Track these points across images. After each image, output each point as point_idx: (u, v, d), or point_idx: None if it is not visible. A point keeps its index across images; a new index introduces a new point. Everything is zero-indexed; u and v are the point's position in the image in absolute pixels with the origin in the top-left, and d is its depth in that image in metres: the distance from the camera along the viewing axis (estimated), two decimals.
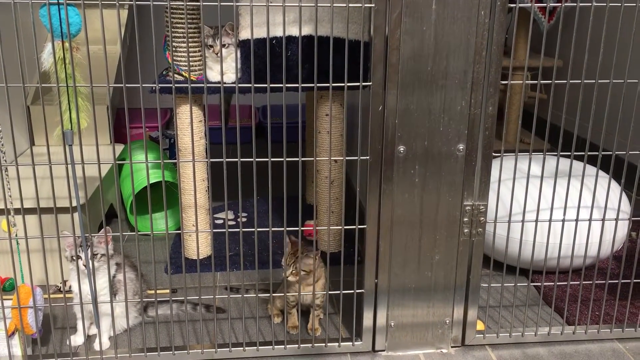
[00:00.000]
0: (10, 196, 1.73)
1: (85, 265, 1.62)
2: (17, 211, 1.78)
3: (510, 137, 3.46)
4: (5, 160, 1.71)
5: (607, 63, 1.54)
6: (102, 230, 1.64)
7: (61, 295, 1.96)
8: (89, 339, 1.80)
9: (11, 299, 1.63)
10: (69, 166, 1.49)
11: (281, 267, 1.82)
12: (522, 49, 3.39)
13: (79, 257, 1.65)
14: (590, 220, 1.71)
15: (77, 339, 1.77)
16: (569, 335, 1.82)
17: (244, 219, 2.69)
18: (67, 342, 1.77)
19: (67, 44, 1.43)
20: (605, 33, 1.52)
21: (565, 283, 1.90)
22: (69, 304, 1.72)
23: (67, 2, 1.39)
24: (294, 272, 1.73)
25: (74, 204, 1.52)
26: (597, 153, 1.64)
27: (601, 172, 1.78)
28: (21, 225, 1.76)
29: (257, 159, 1.52)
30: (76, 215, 1.54)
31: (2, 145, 1.67)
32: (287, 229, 1.65)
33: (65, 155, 1.48)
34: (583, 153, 1.63)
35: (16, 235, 1.68)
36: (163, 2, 1.70)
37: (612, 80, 1.56)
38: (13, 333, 1.65)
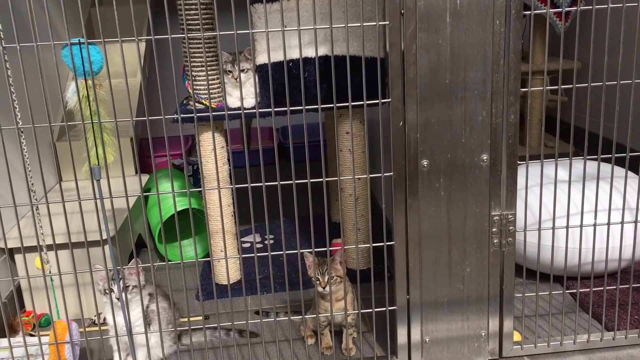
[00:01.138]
0: (42, 233, 1.76)
1: (118, 298, 1.64)
2: (49, 247, 1.81)
3: (534, 142, 3.43)
4: (37, 199, 1.74)
5: (628, 62, 1.52)
6: (133, 261, 1.66)
7: (96, 328, 1.98)
8: None
9: (48, 335, 1.65)
10: (98, 200, 1.51)
11: (311, 287, 1.80)
12: (540, 53, 3.37)
13: (111, 290, 1.66)
14: (622, 222, 1.68)
15: None
16: (609, 342, 1.78)
17: (271, 241, 2.69)
18: None
19: (90, 82, 1.46)
20: (624, 33, 1.50)
21: (601, 288, 1.86)
22: (105, 337, 1.73)
23: (88, 41, 1.42)
24: (332, 277, 1.69)
25: (104, 236, 1.54)
26: (624, 155, 1.61)
27: (630, 173, 1.75)
28: (54, 261, 1.79)
29: (281, 182, 1.52)
30: (107, 247, 1.56)
31: (32, 184, 1.70)
32: (315, 249, 1.65)
33: (93, 190, 1.50)
34: (610, 155, 1.61)
35: (49, 271, 1.70)
36: (181, 35, 1.73)
37: (634, 81, 1.54)
38: None
